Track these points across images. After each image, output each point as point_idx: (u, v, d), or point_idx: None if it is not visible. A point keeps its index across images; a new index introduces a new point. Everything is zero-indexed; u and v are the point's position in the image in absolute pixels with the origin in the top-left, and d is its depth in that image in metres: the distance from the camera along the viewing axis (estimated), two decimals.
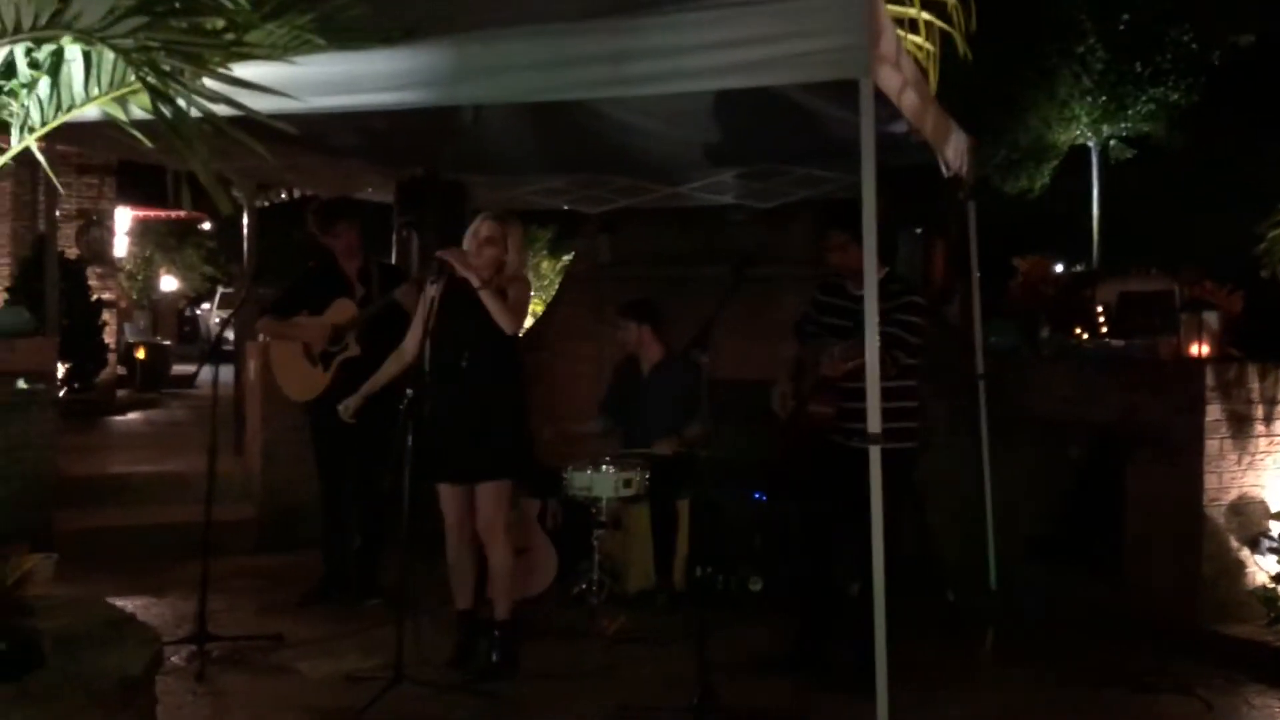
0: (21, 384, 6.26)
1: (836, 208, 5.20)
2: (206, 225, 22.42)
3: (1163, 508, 5.20)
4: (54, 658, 2.69)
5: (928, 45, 5.63)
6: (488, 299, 4.37)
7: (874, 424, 3.55)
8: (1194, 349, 5.34)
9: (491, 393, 4.49)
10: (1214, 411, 5.10)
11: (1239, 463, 5.16)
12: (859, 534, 4.18)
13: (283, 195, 13.56)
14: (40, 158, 3.77)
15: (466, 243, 4.53)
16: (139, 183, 14.42)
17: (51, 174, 4.13)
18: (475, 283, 4.34)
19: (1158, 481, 5.21)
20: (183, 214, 18.74)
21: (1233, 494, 5.16)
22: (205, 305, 27.77)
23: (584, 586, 5.31)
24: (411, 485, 4.26)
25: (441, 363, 4.37)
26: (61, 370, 9.61)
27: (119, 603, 3.33)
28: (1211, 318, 5.32)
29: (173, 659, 4.44)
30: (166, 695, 3.75)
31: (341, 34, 3.58)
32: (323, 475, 5.62)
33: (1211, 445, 5.09)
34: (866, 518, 3.82)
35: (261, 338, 6.81)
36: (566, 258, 9.30)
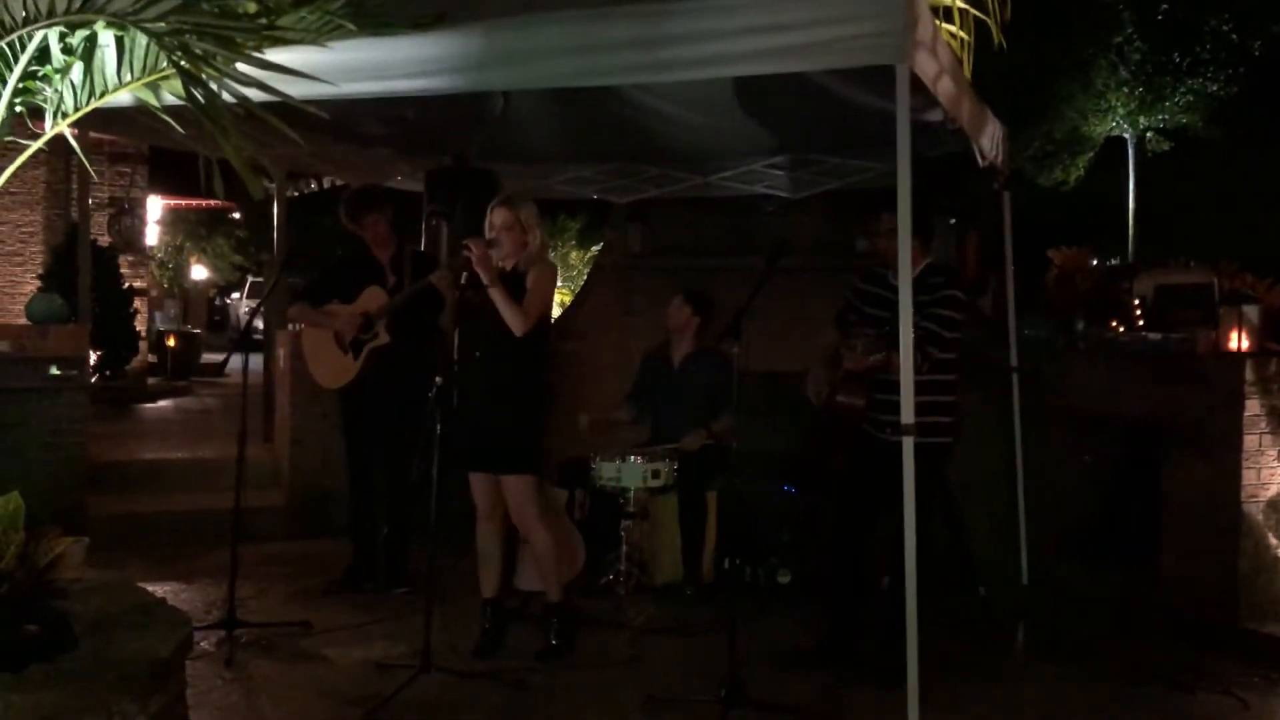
0: (54, 370, 6.31)
1: (886, 193, 5.13)
2: (236, 215, 22.57)
3: (1200, 504, 5.11)
4: (85, 640, 2.69)
5: (962, 34, 5.56)
6: (497, 298, 4.35)
7: (907, 415, 3.50)
8: (1233, 342, 5.23)
9: (509, 386, 4.49)
10: (1253, 406, 5.00)
11: (1279, 458, 5.07)
12: (891, 528, 4.18)
13: (312, 185, 13.62)
14: (74, 144, 3.79)
15: (487, 235, 4.51)
16: (170, 171, 14.55)
17: (85, 160, 4.14)
18: (485, 280, 4.31)
19: (1195, 477, 5.12)
20: (213, 203, 18.88)
21: (1272, 490, 5.06)
22: (235, 294, 27.99)
23: (611, 577, 5.29)
24: (440, 474, 4.25)
25: (465, 353, 4.44)
26: (93, 358, 9.69)
27: (149, 588, 3.33)
28: (1251, 311, 5.21)
29: (201, 644, 4.45)
30: (195, 680, 3.77)
31: (372, 19, 3.57)
32: (351, 463, 5.63)
33: (1250, 440, 5.00)
34: (898, 511, 3.78)
35: (292, 326, 6.83)
36: (595, 248, 9.26)
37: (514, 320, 4.36)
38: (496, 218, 4.50)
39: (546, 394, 4.66)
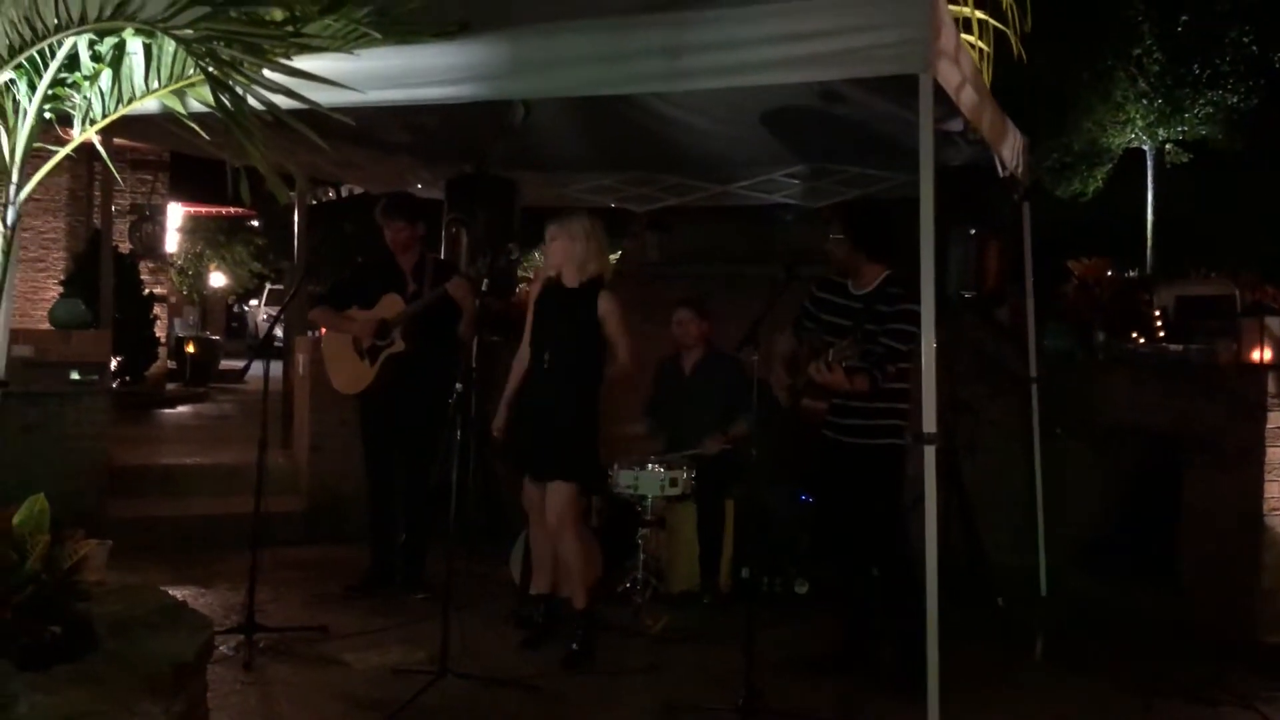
0: (75, 375, 6.36)
1: (851, 206, 5.25)
2: (255, 222, 22.68)
3: (1221, 516, 5.08)
4: (108, 642, 2.71)
5: (981, 45, 5.56)
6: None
7: (929, 423, 3.48)
8: (1254, 354, 5.21)
9: (567, 396, 4.65)
10: (1275, 419, 4.98)
11: None
12: (864, 528, 4.39)
13: (330, 194, 13.70)
14: (101, 150, 3.83)
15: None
16: (190, 178, 14.64)
17: (113, 167, 4.18)
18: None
19: (1216, 489, 5.10)
20: (232, 210, 18.98)
21: None
22: (253, 301, 28.13)
23: (628, 585, 5.28)
24: (459, 480, 4.27)
25: (534, 361, 4.71)
26: (113, 363, 9.75)
27: (168, 591, 3.35)
28: (1273, 322, 5.20)
29: (220, 648, 4.47)
30: (215, 684, 3.77)
31: (397, 27, 3.59)
32: (370, 469, 5.65)
33: (1273, 453, 4.97)
34: (868, 511, 4.31)
35: (311, 334, 6.87)
36: (614, 256, 9.28)
37: (627, 376, 4.73)
38: (547, 234, 4.76)
39: (597, 407, 4.76)
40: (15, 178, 3.24)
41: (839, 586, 4.74)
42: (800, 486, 5.72)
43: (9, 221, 3.23)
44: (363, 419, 5.67)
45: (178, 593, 3.33)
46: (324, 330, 5.87)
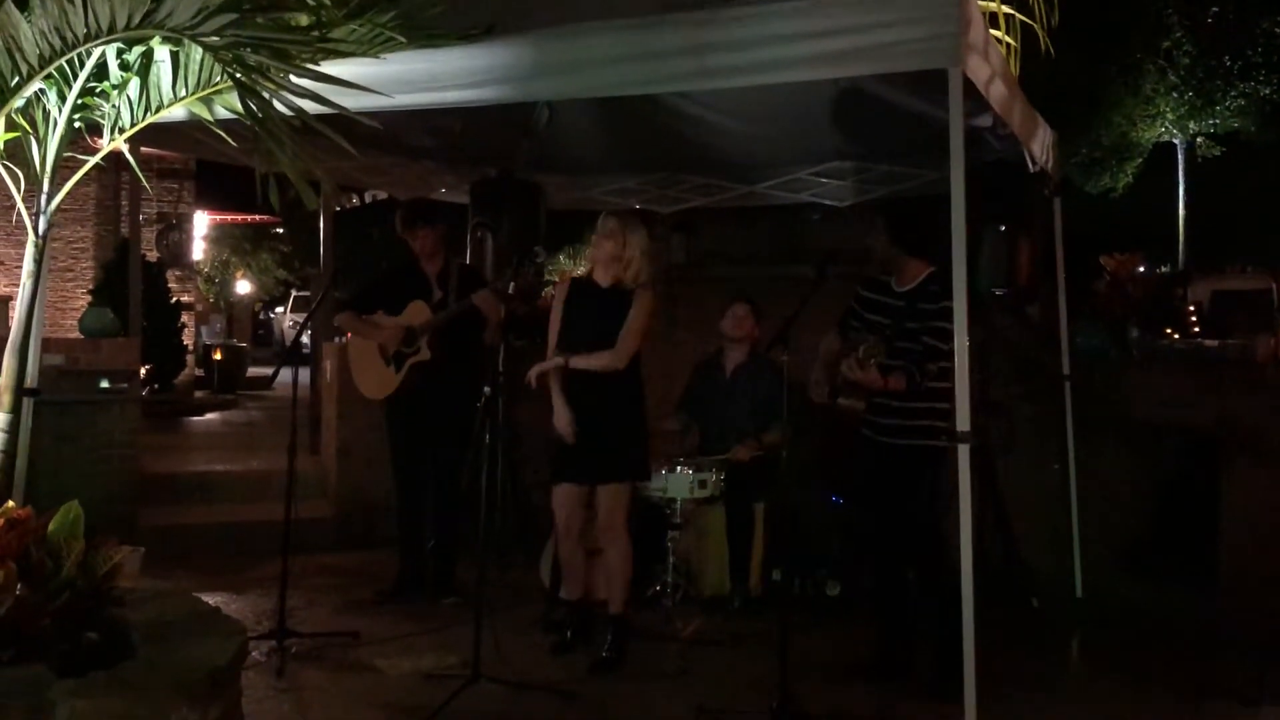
0: (105, 383, 6.40)
1: (892, 203, 5.20)
2: (280, 230, 22.82)
3: (1261, 514, 5.01)
4: (143, 648, 2.71)
5: (1009, 39, 5.51)
6: (579, 364, 4.54)
7: (963, 422, 3.45)
8: None
9: (611, 395, 4.59)
10: None
11: None
12: (900, 528, 4.34)
13: (354, 200, 13.74)
14: (130, 159, 3.85)
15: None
16: (216, 187, 14.73)
17: (141, 175, 4.20)
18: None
19: (1255, 487, 5.03)
20: (258, 218, 19.12)
21: None
22: (279, 309, 28.28)
23: (658, 588, 5.26)
24: (489, 485, 4.26)
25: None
26: (142, 372, 9.82)
27: (200, 598, 3.35)
28: None
29: (253, 654, 4.47)
30: (248, 690, 3.77)
31: (422, 31, 3.60)
32: (398, 474, 5.65)
33: None
34: (905, 512, 4.24)
35: (338, 339, 6.88)
36: None
37: (603, 365, 4.52)
38: (601, 225, 4.65)
39: (643, 406, 4.71)
40: (46, 187, 3.26)
41: (874, 589, 4.69)
42: (832, 488, 5.67)
43: (40, 230, 3.25)
44: (389, 425, 5.68)
45: (210, 599, 3.34)
46: (349, 335, 5.88)
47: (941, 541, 4.29)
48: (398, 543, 5.69)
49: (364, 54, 3.46)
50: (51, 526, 2.74)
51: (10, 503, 2.92)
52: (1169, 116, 15.58)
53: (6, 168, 3.31)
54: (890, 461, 4.31)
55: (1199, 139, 16.03)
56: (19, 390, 3.26)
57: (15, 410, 3.21)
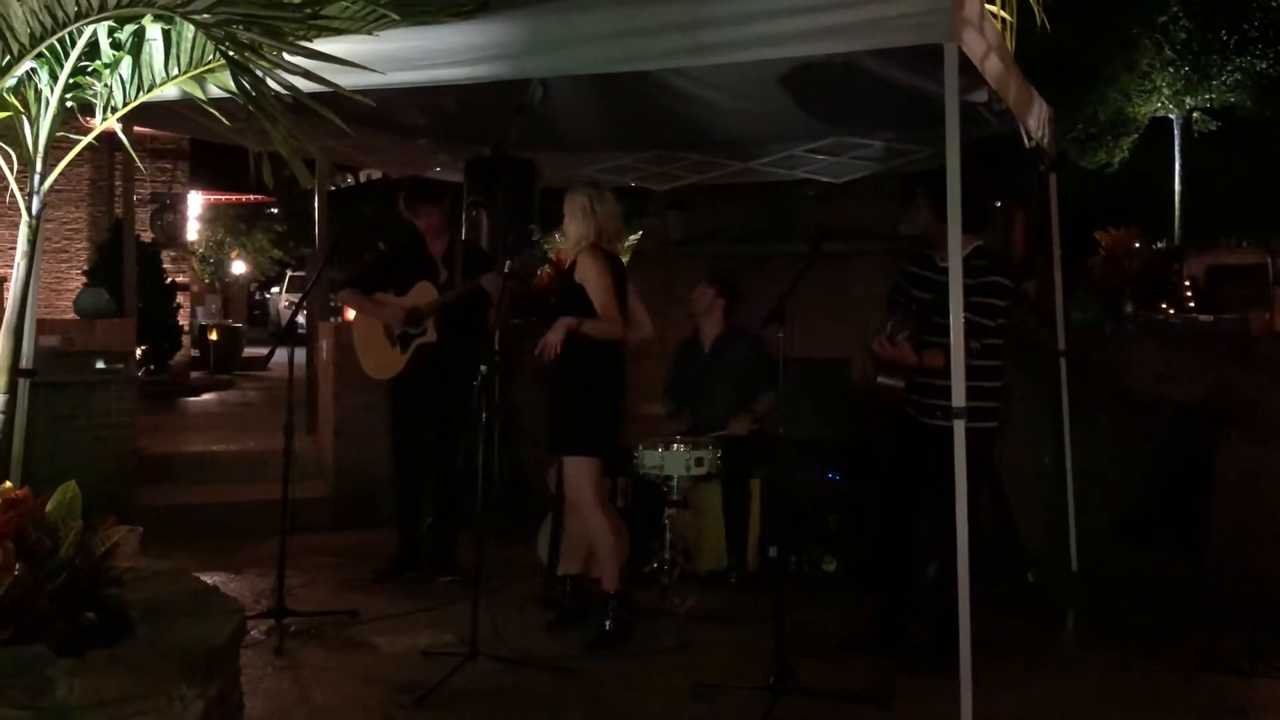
0: (100, 364, 6.39)
1: (925, 175, 5.08)
2: (275, 209, 22.75)
3: (1254, 488, 5.03)
4: (142, 627, 2.73)
5: (1004, 15, 5.48)
6: (591, 329, 4.54)
7: (958, 399, 3.46)
8: None
9: (565, 370, 4.59)
10: None
11: None
12: (937, 512, 4.15)
13: (348, 179, 13.68)
14: (124, 138, 3.83)
15: None
16: (210, 166, 14.64)
17: (135, 155, 4.19)
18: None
19: (1249, 461, 5.04)
20: (252, 198, 19.04)
21: None
22: (274, 289, 28.24)
23: (655, 565, 5.28)
24: (485, 462, 4.27)
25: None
26: (138, 352, 9.80)
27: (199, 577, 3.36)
28: None
29: (252, 633, 4.49)
30: (247, 668, 3.78)
31: (415, 8, 3.59)
32: (396, 454, 5.67)
33: None
34: (944, 496, 3.78)
35: (333, 319, 6.88)
36: (635, 236, 9.24)
37: (606, 331, 4.53)
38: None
39: (609, 379, 4.67)
40: (39, 167, 3.25)
41: (880, 566, 4.65)
42: (828, 464, 5.69)
43: (34, 211, 3.24)
44: (392, 404, 5.68)
45: (208, 578, 3.35)
46: (350, 314, 5.87)
47: (976, 523, 4.20)
48: (395, 521, 5.71)
49: (357, 31, 3.45)
50: (49, 506, 2.75)
51: (8, 483, 2.92)
52: (1165, 91, 15.50)
53: None
54: (932, 443, 4.08)
55: (1195, 114, 15.97)
56: (14, 371, 3.25)
57: (11, 391, 3.21)
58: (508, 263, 4.60)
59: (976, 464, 4.04)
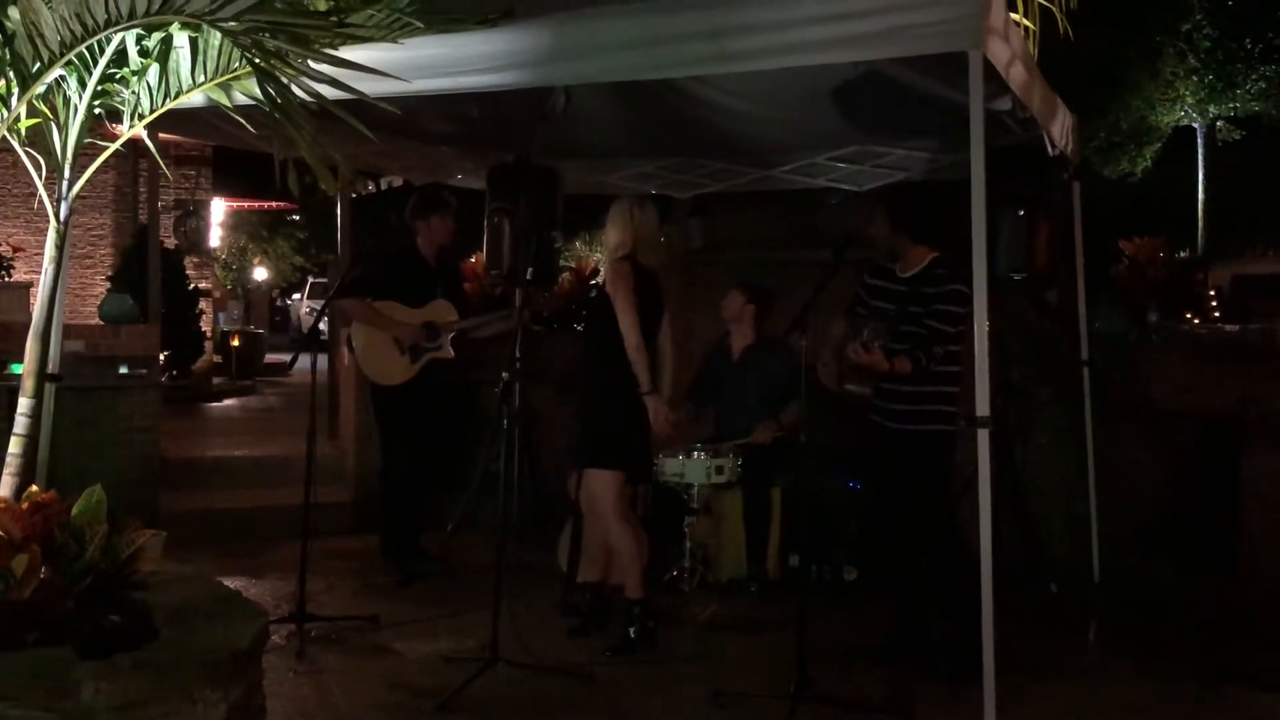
0: (124, 369, 6.44)
1: (892, 189, 5.23)
2: (297, 216, 22.87)
3: None
4: (166, 630, 2.74)
5: (1027, 22, 5.46)
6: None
7: (982, 407, 3.44)
8: None
9: (590, 386, 4.71)
10: None
11: None
12: (912, 515, 4.33)
13: (370, 187, 13.75)
14: (150, 145, 3.86)
15: None
16: (233, 173, 14.76)
17: (161, 162, 4.22)
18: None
19: (1275, 472, 4.98)
20: (274, 205, 19.16)
21: None
22: (296, 295, 28.38)
23: (675, 573, 5.27)
24: (506, 468, 4.29)
25: None
26: (161, 358, 9.86)
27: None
28: None
29: (273, 637, 4.49)
30: (269, 672, 3.78)
31: (440, 16, 3.60)
32: (388, 455, 5.73)
33: None
34: (916, 498, 4.25)
35: (344, 330, 6.90)
36: None
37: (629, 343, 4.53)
38: None
39: (634, 392, 4.58)
40: (67, 173, 3.27)
41: (891, 573, 4.69)
42: (849, 473, 5.67)
43: (62, 217, 3.26)
44: (390, 408, 5.69)
45: (230, 583, 3.37)
46: (353, 321, 5.87)
47: (954, 526, 4.29)
48: (379, 516, 5.84)
49: (382, 39, 3.47)
50: (75, 510, 2.77)
51: (34, 487, 2.95)
52: (1189, 100, 15.41)
53: (28, 154, 3.32)
54: (899, 447, 4.31)
55: (1219, 123, 15.86)
56: (41, 375, 3.28)
57: (38, 395, 3.23)
58: (529, 269, 4.63)
59: (938, 466, 4.26)
